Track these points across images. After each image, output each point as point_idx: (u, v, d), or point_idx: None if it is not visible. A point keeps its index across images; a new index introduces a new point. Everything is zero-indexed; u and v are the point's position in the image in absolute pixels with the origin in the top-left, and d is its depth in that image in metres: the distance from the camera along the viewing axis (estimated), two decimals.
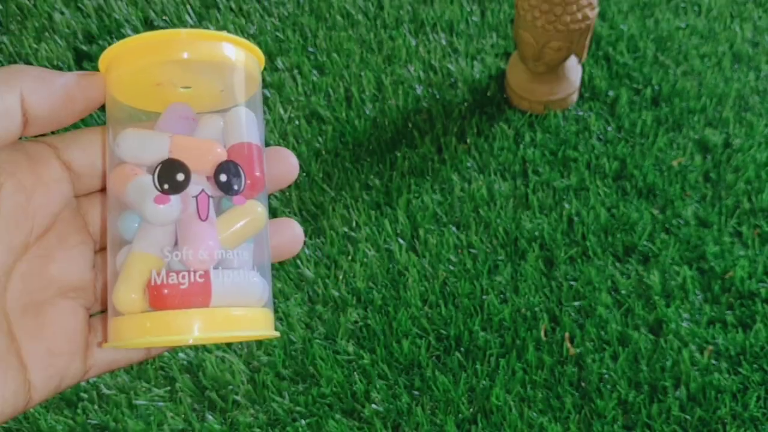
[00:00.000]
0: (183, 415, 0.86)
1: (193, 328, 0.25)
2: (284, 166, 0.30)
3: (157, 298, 0.25)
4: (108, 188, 0.28)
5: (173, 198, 0.26)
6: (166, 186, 0.26)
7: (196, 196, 0.27)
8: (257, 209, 0.28)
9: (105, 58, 0.28)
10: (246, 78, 0.29)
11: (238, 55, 0.28)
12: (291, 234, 0.31)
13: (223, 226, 0.27)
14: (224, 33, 0.28)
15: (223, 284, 0.26)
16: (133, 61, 0.27)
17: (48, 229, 0.28)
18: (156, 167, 0.26)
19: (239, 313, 0.26)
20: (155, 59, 0.27)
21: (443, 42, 1.22)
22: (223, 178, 0.27)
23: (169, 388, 0.88)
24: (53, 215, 0.28)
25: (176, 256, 0.26)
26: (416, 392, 0.89)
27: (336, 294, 0.95)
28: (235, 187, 0.27)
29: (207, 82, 0.29)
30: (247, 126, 0.29)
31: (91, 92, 0.28)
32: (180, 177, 0.26)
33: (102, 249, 0.30)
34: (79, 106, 0.27)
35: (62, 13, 1.23)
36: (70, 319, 0.28)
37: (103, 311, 0.30)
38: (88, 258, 0.29)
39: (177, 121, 0.28)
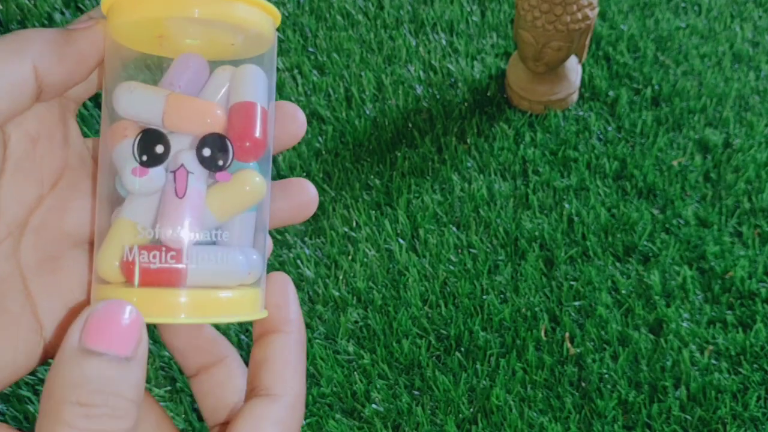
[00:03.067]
0: (183, 415, 0.86)
1: (171, 310, 0.24)
2: (291, 123, 0.29)
3: (129, 275, 0.24)
4: (101, 142, 0.27)
5: (153, 171, 0.25)
6: (144, 158, 0.25)
7: (174, 171, 0.25)
8: (254, 179, 0.26)
9: (107, 2, 0.26)
10: (256, 35, 0.27)
11: (248, 14, 0.26)
12: (304, 196, 0.29)
13: (213, 199, 0.26)
14: None
15: (199, 263, 0.25)
16: (136, 12, 0.25)
17: (59, 178, 0.27)
18: (136, 136, 0.25)
19: (219, 295, 0.25)
20: (160, 14, 0.25)
21: (443, 42, 1.22)
22: (206, 152, 0.25)
23: (169, 387, 0.88)
24: (62, 162, 0.26)
25: (156, 231, 0.25)
26: (416, 392, 0.89)
27: (336, 294, 0.95)
28: (220, 163, 0.26)
29: (215, 36, 0.28)
30: (253, 85, 0.27)
31: (101, 46, 0.26)
32: (159, 149, 0.25)
33: None
34: (92, 63, 0.26)
35: (62, 14, 1.23)
36: (86, 272, 0.27)
37: None
38: None
39: (185, 73, 0.27)
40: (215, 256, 0.25)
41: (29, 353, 0.25)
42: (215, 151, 0.25)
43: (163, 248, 0.24)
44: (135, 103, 0.25)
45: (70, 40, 0.25)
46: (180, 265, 0.24)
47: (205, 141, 0.25)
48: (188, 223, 0.25)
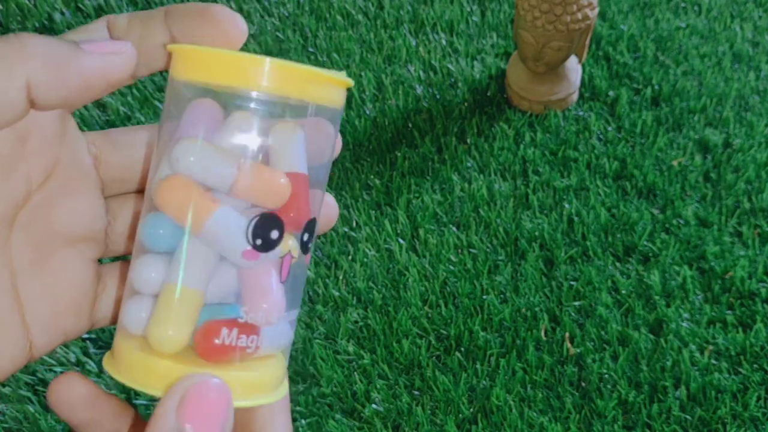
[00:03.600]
0: None
1: (254, 391, 0.24)
2: (325, 210, 0.28)
3: (220, 356, 0.24)
4: (154, 194, 0.25)
5: (263, 255, 0.24)
6: (258, 242, 0.24)
7: (282, 257, 0.24)
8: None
9: (178, 48, 0.25)
10: (325, 106, 0.26)
11: (321, 90, 0.25)
12: (325, 208, 0.29)
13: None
14: (311, 68, 0.25)
15: (272, 341, 0.25)
16: (202, 74, 0.24)
17: (49, 175, 0.25)
18: (252, 219, 0.24)
19: (276, 370, 0.25)
20: (227, 84, 0.24)
21: (443, 42, 1.22)
22: (305, 237, 0.25)
23: None
24: (53, 159, 0.25)
25: (242, 311, 0.24)
26: (416, 392, 0.89)
27: (336, 294, 0.95)
28: (309, 246, 0.25)
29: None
30: (301, 152, 0.25)
31: (114, 76, 0.24)
32: (274, 235, 0.24)
33: (116, 195, 0.28)
34: (96, 92, 0.24)
35: (62, 14, 1.23)
36: (77, 274, 0.26)
37: (115, 259, 0.29)
38: (95, 204, 0.27)
39: (204, 120, 0.25)
40: (281, 332, 0.26)
41: (14, 355, 0.25)
42: (311, 237, 0.25)
43: (248, 329, 0.24)
44: (201, 165, 0.24)
45: (77, 60, 0.23)
46: (260, 345, 0.25)
47: (307, 227, 0.25)
48: (283, 307, 0.25)
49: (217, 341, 0.24)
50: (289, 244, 0.25)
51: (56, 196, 0.26)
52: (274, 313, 0.24)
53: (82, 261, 0.27)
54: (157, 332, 0.24)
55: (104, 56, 0.24)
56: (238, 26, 0.25)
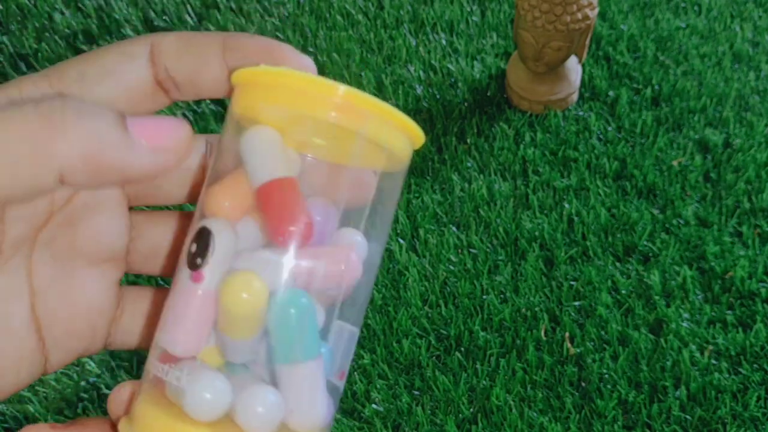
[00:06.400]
0: None
1: None
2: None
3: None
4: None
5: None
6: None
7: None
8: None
9: (239, 76, 0.22)
10: (394, 158, 0.23)
11: (397, 138, 0.23)
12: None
13: None
14: (389, 108, 0.23)
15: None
16: (280, 103, 0.22)
17: (73, 194, 0.25)
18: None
19: None
20: (304, 111, 0.22)
21: (443, 42, 1.22)
22: (192, 248, 0.23)
23: None
24: None
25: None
26: (416, 392, 0.89)
27: None
28: (198, 261, 0.24)
29: (344, 142, 0.24)
30: (265, 156, 0.23)
31: (160, 174, 0.23)
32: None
33: (143, 210, 0.27)
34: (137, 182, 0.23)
35: (62, 13, 1.23)
36: (96, 295, 0.26)
37: (135, 278, 0.28)
38: (119, 222, 0.26)
39: (318, 222, 0.23)
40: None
41: (29, 369, 0.25)
42: (201, 251, 0.23)
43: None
44: (257, 264, 0.23)
45: (120, 155, 0.21)
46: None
47: (198, 236, 0.23)
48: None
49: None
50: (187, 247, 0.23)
51: (79, 214, 0.25)
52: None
53: (103, 282, 0.26)
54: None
55: (154, 153, 0.22)
56: (307, 68, 0.24)
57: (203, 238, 0.22)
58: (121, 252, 0.27)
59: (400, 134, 0.24)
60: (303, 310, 0.22)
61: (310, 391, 0.23)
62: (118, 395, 0.25)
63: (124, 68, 0.24)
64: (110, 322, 0.27)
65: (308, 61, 0.24)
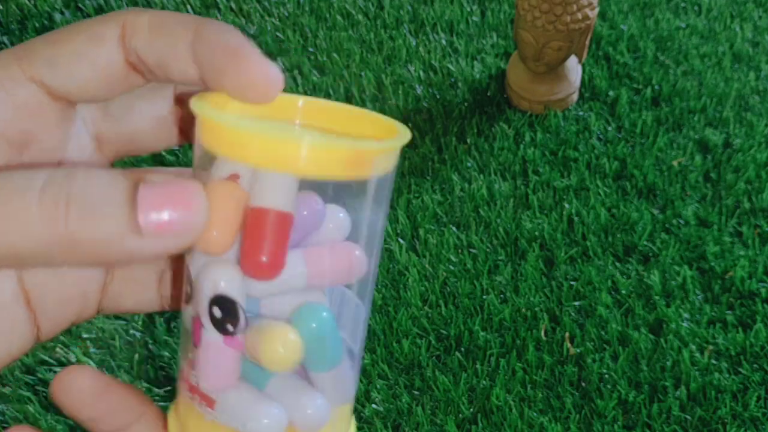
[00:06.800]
0: None
1: None
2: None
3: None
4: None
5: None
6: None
7: (192, 317, 0.23)
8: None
9: (201, 115, 0.22)
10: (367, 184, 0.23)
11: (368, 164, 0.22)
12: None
13: None
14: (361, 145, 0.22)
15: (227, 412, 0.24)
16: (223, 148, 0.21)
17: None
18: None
19: None
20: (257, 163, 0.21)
21: (443, 42, 1.22)
22: (216, 313, 0.23)
23: (169, 387, 0.88)
24: (54, 161, 0.25)
25: None
26: (416, 392, 0.89)
27: None
28: (229, 328, 0.24)
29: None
30: (277, 182, 0.22)
31: (163, 256, 0.22)
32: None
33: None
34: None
35: (62, 14, 1.23)
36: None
37: None
38: None
39: (304, 217, 0.23)
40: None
41: (21, 341, 0.25)
42: (228, 316, 0.23)
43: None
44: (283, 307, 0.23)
45: (122, 242, 0.20)
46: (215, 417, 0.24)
47: (219, 301, 0.23)
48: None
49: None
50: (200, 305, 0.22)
51: None
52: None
53: None
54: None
55: (161, 238, 0.20)
56: (269, 80, 0.22)
57: (228, 306, 0.22)
58: None
59: (381, 153, 0.22)
60: (325, 324, 0.23)
61: (338, 390, 0.24)
62: (67, 382, 0.25)
63: (94, 51, 0.23)
64: (101, 288, 0.27)
65: (275, 71, 0.23)
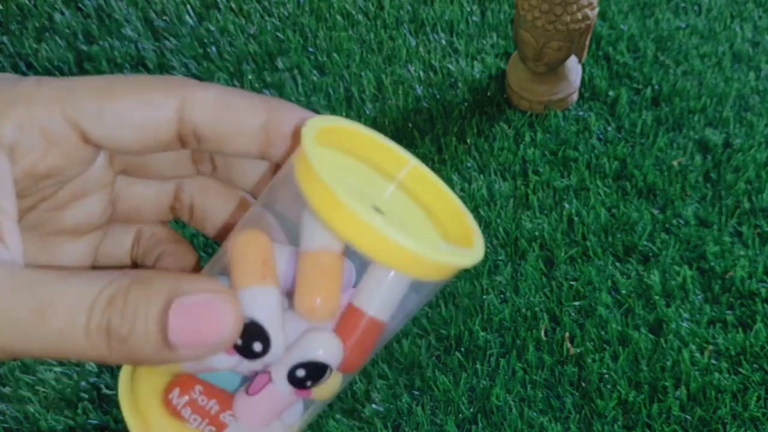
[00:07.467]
0: None
1: None
2: None
3: (167, 408, 0.23)
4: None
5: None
6: (239, 342, 0.22)
7: (258, 372, 0.23)
8: (333, 388, 0.24)
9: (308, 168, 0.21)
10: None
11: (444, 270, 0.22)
12: None
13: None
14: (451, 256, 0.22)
15: None
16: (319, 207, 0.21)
17: (60, 187, 0.25)
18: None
19: None
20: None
21: (443, 42, 1.22)
22: (299, 373, 0.22)
23: None
24: (66, 179, 0.25)
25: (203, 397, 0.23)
26: (416, 392, 0.89)
27: None
28: (308, 384, 0.23)
29: None
30: (387, 292, 0.23)
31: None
32: (257, 347, 0.22)
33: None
34: None
35: (62, 14, 1.23)
36: (79, 260, 0.27)
37: None
38: (105, 199, 0.26)
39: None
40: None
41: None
42: (311, 380, 0.23)
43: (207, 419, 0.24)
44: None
45: (156, 356, 0.21)
46: None
47: (309, 368, 0.23)
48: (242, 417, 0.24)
49: (170, 397, 0.23)
50: (276, 375, 0.23)
51: (67, 201, 0.26)
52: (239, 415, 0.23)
53: (87, 248, 0.27)
54: None
55: (195, 349, 0.21)
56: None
57: (317, 370, 0.22)
58: (104, 220, 0.27)
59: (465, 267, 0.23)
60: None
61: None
62: None
63: (143, 116, 0.23)
64: (101, 236, 0.28)
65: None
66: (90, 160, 0.25)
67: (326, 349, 0.22)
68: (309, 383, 0.22)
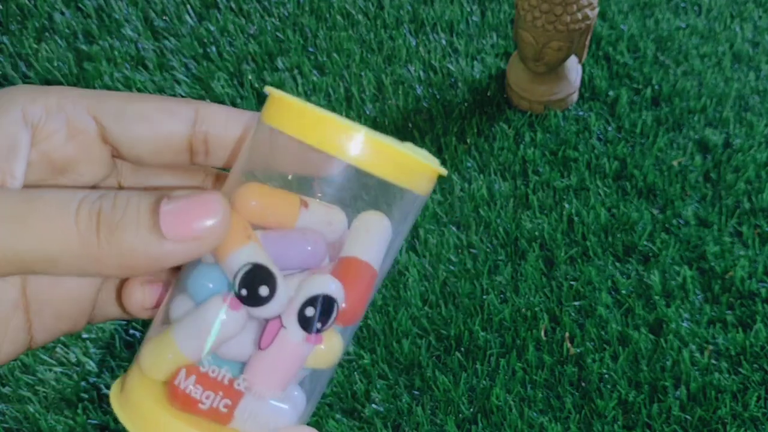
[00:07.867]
0: None
1: None
2: None
3: (175, 399, 0.23)
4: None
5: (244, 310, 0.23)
6: (243, 292, 0.22)
7: (267, 320, 0.23)
8: (336, 348, 0.25)
9: (277, 97, 0.23)
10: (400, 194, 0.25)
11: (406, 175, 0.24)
12: None
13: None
14: (406, 148, 0.24)
15: (246, 415, 0.23)
16: (296, 129, 0.23)
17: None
18: (243, 267, 0.22)
19: None
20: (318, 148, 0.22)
21: (443, 42, 1.22)
22: (308, 312, 0.23)
23: None
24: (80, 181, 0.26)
25: (211, 366, 0.23)
26: (416, 392, 0.89)
27: None
28: (316, 328, 0.23)
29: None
30: (377, 242, 0.24)
31: (186, 261, 0.23)
32: (263, 291, 0.22)
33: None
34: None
35: (62, 13, 1.23)
36: (85, 283, 0.27)
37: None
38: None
39: (296, 251, 0.24)
40: (264, 410, 0.24)
41: (15, 347, 0.26)
42: (321, 319, 0.23)
43: (220, 393, 0.23)
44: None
45: (150, 249, 0.22)
46: (230, 414, 0.24)
47: (318, 301, 0.23)
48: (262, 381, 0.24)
49: (176, 383, 0.23)
50: (286, 319, 0.23)
51: None
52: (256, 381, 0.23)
53: None
54: (141, 359, 0.24)
55: (184, 244, 0.22)
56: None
57: (326, 305, 0.23)
58: None
59: (436, 174, 0.26)
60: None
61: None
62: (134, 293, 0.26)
63: (160, 119, 0.25)
64: (94, 302, 0.28)
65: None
66: (104, 165, 0.26)
67: (330, 283, 0.23)
68: (319, 325, 0.23)
